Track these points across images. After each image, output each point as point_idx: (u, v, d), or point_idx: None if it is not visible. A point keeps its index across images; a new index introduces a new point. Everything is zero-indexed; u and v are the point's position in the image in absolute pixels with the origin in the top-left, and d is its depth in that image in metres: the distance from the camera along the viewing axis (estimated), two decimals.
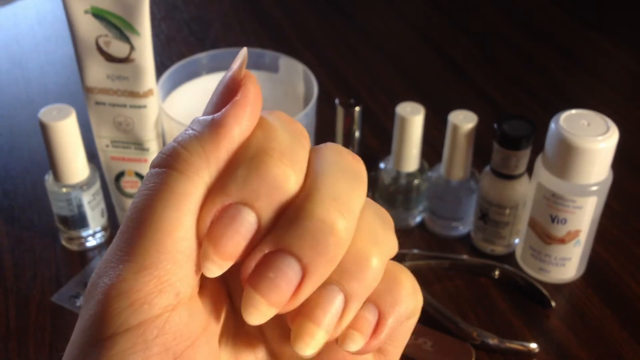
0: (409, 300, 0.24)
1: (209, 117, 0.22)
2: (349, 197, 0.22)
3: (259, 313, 0.21)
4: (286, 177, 0.22)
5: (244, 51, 0.23)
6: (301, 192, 0.22)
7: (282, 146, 0.22)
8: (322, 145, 0.24)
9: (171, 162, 0.22)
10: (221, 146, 0.22)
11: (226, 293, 0.25)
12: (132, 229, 0.21)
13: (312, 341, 0.22)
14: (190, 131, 0.22)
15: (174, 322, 0.21)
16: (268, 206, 0.21)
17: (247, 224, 0.21)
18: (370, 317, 0.23)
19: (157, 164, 0.22)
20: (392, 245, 0.24)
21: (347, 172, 0.23)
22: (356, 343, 0.23)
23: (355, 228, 0.22)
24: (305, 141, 0.23)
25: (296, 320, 0.22)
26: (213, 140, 0.22)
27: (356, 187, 0.23)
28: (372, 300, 0.23)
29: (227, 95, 0.22)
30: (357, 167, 0.23)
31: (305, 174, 0.23)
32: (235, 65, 0.23)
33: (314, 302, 0.22)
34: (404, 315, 0.24)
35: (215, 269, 0.21)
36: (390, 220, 0.25)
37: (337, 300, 0.22)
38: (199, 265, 0.22)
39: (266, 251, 0.21)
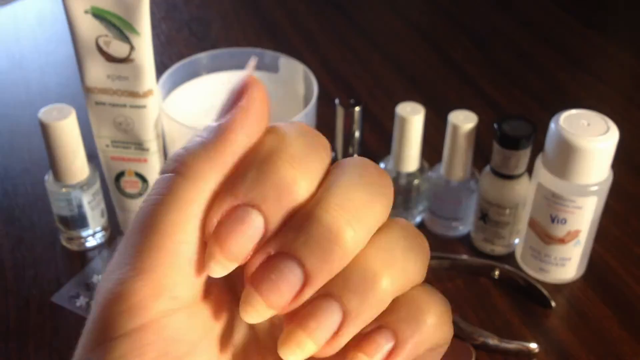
0: (432, 331, 0.23)
1: (216, 123, 0.22)
2: (363, 208, 0.22)
3: (256, 312, 0.21)
4: (295, 181, 0.21)
5: (253, 60, 0.23)
6: (312, 199, 0.22)
7: (294, 151, 0.22)
8: (348, 158, 0.23)
9: (176, 167, 0.22)
10: (226, 150, 0.22)
11: (233, 301, 0.25)
12: (133, 233, 0.22)
13: (298, 349, 0.21)
14: (197, 138, 0.22)
15: (173, 327, 0.21)
16: (276, 209, 0.21)
17: (254, 226, 0.21)
18: (384, 343, 0.22)
19: (163, 170, 0.22)
20: (411, 272, 0.23)
21: (366, 184, 0.22)
22: None
23: (365, 241, 0.22)
24: (324, 153, 0.23)
25: (289, 326, 0.22)
26: (217, 145, 0.22)
27: (375, 200, 0.22)
28: (389, 327, 0.22)
29: (234, 102, 0.22)
30: (380, 181, 0.23)
31: (320, 183, 0.22)
32: (244, 73, 0.23)
33: (310, 312, 0.22)
34: (425, 346, 0.23)
35: (220, 269, 0.21)
36: (422, 248, 0.24)
37: (335, 316, 0.21)
38: (200, 269, 0.22)
39: (271, 252, 0.21)
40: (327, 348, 0.22)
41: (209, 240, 0.21)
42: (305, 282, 0.21)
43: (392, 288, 0.22)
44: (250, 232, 0.21)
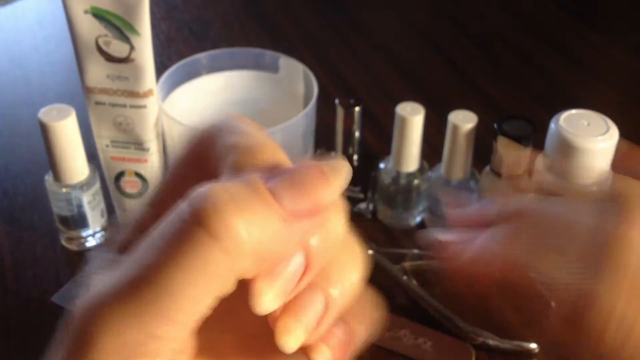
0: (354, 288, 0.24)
1: (287, 173, 0.21)
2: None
3: (294, 338, 0.22)
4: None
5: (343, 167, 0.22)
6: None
7: None
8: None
9: (206, 221, 0.19)
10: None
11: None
12: (139, 281, 0.20)
13: (292, 336, 0.22)
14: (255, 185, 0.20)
15: None
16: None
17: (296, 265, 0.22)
18: (340, 334, 0.24)
19: (190, 212, 0.19)
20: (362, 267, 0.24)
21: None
22: (325, 357, 0.23)
23: None
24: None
25: (280, 319, 0.22)
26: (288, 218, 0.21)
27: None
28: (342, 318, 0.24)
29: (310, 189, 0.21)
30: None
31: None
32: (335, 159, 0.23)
33: (298, 302, 0.22)
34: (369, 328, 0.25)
35: (272, 301, 0.21)
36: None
37: (318, 303, 0.23)
38: (199, 320, 0.21)
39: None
40: (312, 334, 0.23)
41: (256, 281, 0.21)
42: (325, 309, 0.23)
43: (360, 281, 0.24)
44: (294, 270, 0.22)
